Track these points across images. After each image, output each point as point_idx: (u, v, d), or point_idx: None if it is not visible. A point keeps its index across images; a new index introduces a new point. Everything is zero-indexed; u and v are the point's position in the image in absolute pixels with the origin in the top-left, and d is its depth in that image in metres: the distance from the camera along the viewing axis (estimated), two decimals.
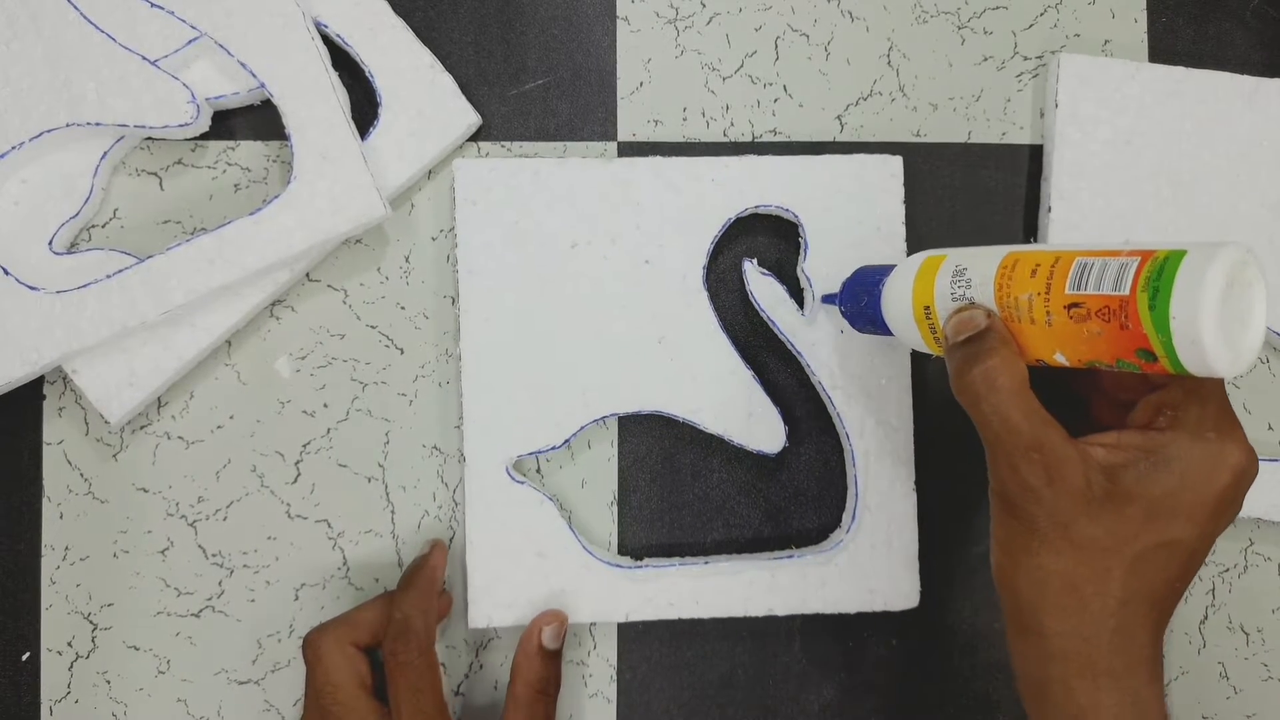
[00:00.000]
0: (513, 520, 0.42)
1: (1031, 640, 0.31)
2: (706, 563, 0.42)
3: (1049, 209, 0.44)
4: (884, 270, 0.38)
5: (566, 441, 0.42)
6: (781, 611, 0.42)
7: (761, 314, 0.43)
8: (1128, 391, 0.33)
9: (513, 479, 0.42)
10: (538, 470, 0.44)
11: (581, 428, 0.42)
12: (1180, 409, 0.31)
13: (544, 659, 0.39)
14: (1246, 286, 0.28)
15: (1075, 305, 0.30)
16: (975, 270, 0.33)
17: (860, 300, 0.38)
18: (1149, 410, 0.32)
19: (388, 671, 0.36)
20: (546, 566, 0.42)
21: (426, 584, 0.39)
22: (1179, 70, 0.45)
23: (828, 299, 0.41)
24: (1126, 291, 0.28)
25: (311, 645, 0.37)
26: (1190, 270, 0.27)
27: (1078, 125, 0.45)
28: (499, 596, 0.41)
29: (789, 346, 0.43)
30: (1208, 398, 0.31)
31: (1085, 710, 0.30)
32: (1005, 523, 0.32)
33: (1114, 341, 0.29)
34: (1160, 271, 0.28)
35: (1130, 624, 0.30)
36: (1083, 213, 0.44)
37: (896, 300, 0.36)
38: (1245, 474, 0.31)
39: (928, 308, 0.35)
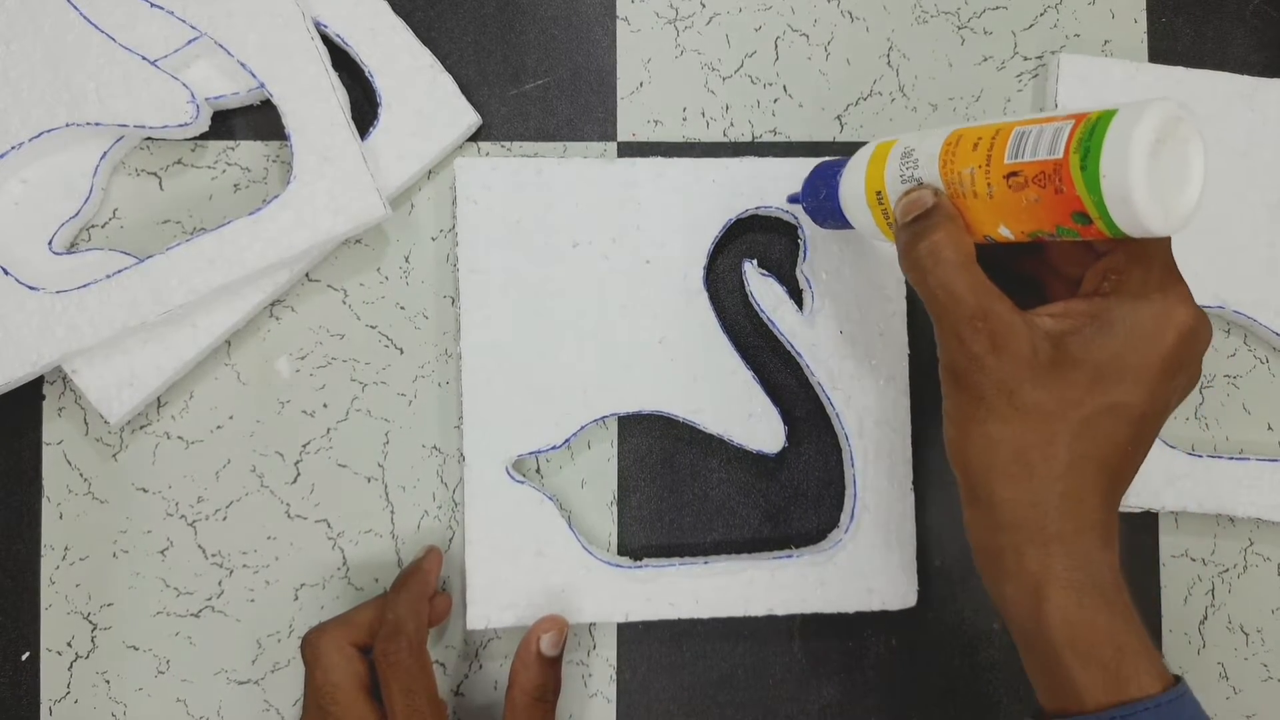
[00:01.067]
0: (513, 520, 0.42)
1: (983, 510, 0.32)
2: (706, 563, 0.42)
3: None
4: (842, 163, 0.38)
5: (567, 441, 0.42)
6: (781, 611, 0.42)
7: (761, 314, 0.43)
8: (1076, 265, 0.33)
9: (513, 479, 0.42)
10: (538, 470, 0.44)
11: (581, 428, 0.42)
12: (1124, 272, 0.31)
13: (542, 666, 0.39)
14: (1182, 143, 0.28)
15: (1014, 174, 0.30)
16: (922, 150, 0.33)
17: (820, 193, 0.39)
18: (1095, 278, 0.32)
19: (379, 672, 0.36)
20: (546, 566, 0.42)
21: (419, 586, 0.39)
22: (1179, 70, 0.45)
23: (792, 198, 0.42)
24: (1060, 155, 0.28)
25: (310, 645, 0.37)
26: (1119, 128, 0.27)
27: None
28: (498, 597, 0.41)
29: (789, 347, 0.43)
30: (1151, 260, 0.31)
31: (1037, 576, 0.30)
32: (954, 395, 0.32)
33: (1051, 207, 0.29)
34: (1091, 132, 0.28)
35: (1078, 488, 0.31)
36: None
37: (852, 189, 0.36)
38: (1192, 333, 0.31)
39: (879, 192, 0.35)
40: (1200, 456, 0.44)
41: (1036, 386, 0.30)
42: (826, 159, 0.40)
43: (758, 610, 0.42)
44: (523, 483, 0.42)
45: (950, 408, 0.32)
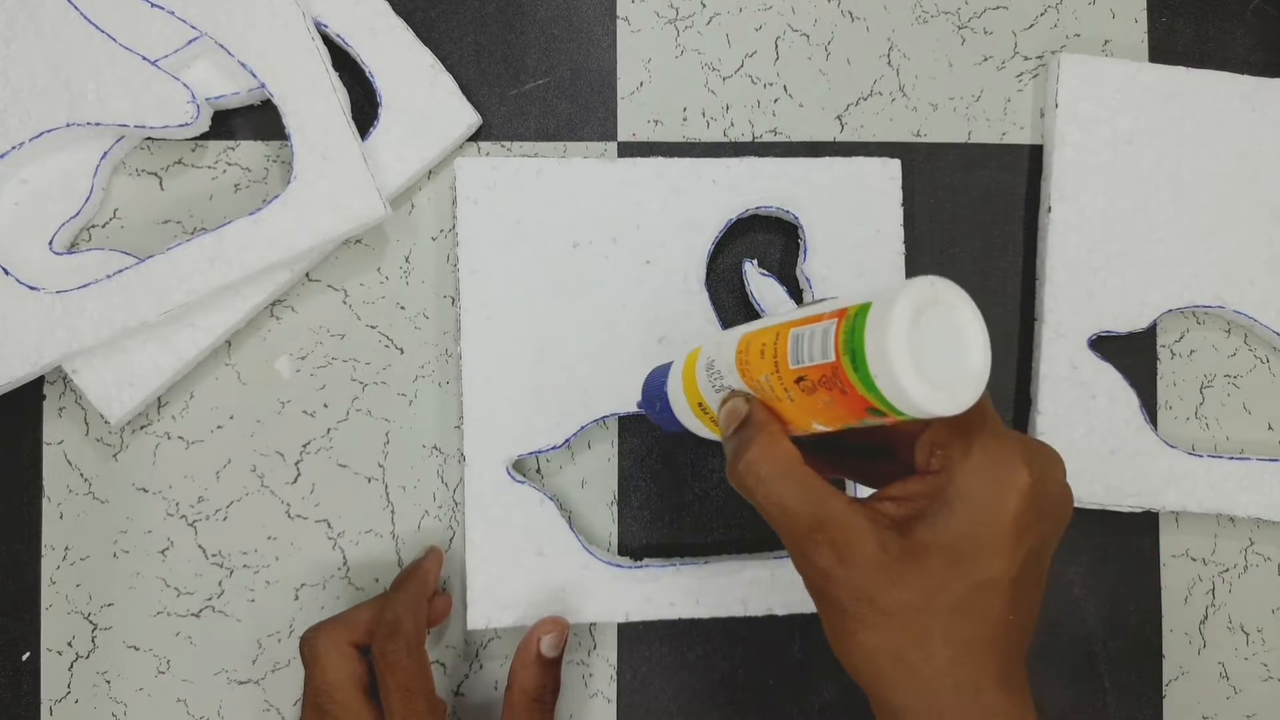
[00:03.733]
0: (513, 520, 0.42)
1: (887, 715, 0.30)
2: (706, 562, 0.42)
3: (1049, 209, 0.45)
4: (666, 370, 0.36)
5: (567, 441, 0.42)
6: (781, 611, 0.42)
7: (761, 314, 0.43)
8: (908, 432, 0.31)
9: (513, 479, 0.42)
10: (538, 470, 0.44)
11: (582, 428, 0.42)
12: (947, 445, 0.29)
13: (542, 667, 0.39)
14: (948, 313, 0.27)
15: (801, 379, 0.28)
16: (721, 360, 0.32)
17: (656, 405, 0.37)
18: (924, 452, 0.30)
19: (378, 671, 0.36)
20: (546, 566, 0.42)
21: (419, 586, 0.39)
22: (1179, 70, 0.45)
23: (639, 405, 0.39)
24: (832, 358, 0.27)
25: (309, 644, 0.37)
26: (875, 326, 0.26)
27: (1078, 125, 0.45)
28: (499, 597, 0.42)
29: None
30: (969, 427, 0.29)
31: None
32: (820, 608, 0.30)
33: (845, 406, 0.28)
34: (852, 331, 0.27)
35: (970, 678, 0.29)
36: (1083, 213, 0.44)
37: (678, 401, 0.35)
38: (1033, 488, 0.29)
39: (701, 404, 0.34)
40: (1201, 456, 0.44)
41: (895, 585, 0.28)
42: (656, 368, 0.38)
43: (757, 610, 0.42)
44: (523, 483, 0.42)
45: (822, 619, 0.31)
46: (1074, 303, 0.44)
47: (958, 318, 0.27)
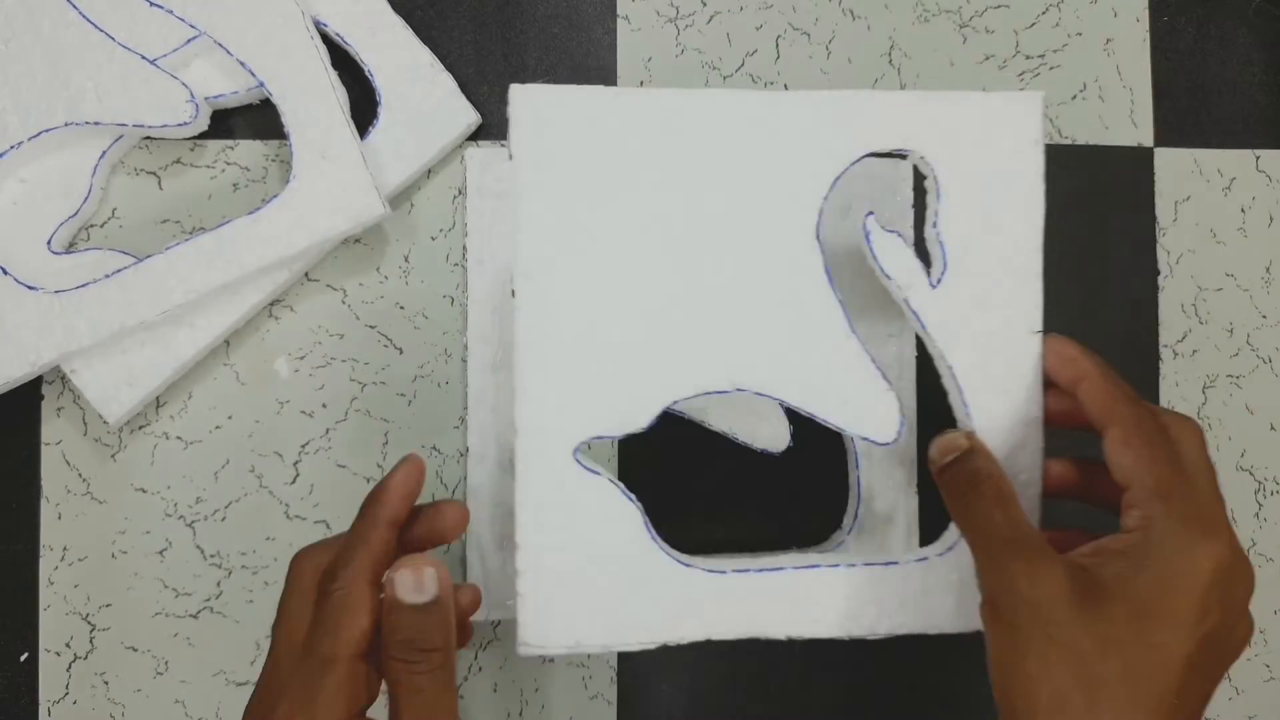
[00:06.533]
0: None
1: None
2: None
3: (512, 293, 0.34)
4: None
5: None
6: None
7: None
8: (1116, 496, 0.33)
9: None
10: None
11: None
12: (1147, 506, 0.31)
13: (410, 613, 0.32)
14: None
15: None
16: None
17: None
18: (1126, 517, 0.32)
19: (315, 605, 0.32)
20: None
21: (371, 509, 0.34)
22: (665, 93, 0.36)
23: None
24: None
25: (293, 562, 0.34)
26: None
27: (539, 175, 0.34)
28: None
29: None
30: (1171, 493, 0.31)
31: None
32: (994, 631, 0.31)
33: None
34: None
35: None
36: (553, 292, 0.35)
37: None
38: (1229, 569, 0.30)
39: None
40: None
41: (1073, 622, 0.29)
42: None
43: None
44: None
45: (991, 645, 0.31)
46: (556, 407, 0.35)
47: None
